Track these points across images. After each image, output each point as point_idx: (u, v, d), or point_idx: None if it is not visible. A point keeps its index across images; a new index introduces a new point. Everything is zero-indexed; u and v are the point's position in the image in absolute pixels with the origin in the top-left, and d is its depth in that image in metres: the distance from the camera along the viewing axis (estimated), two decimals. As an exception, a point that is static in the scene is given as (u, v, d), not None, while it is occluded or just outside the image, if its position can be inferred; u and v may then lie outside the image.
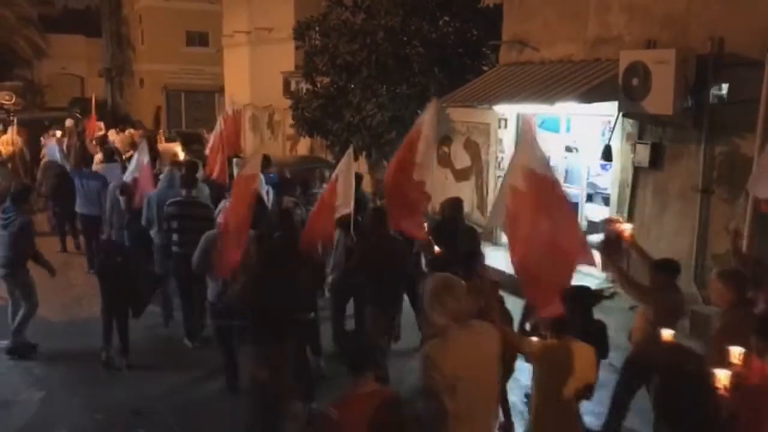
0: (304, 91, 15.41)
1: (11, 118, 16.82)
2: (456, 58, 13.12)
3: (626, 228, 6.18)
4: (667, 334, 4.59)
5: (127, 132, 18.81)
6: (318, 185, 10.91)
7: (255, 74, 23.19)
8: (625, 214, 9.35)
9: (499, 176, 11.97)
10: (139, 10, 35.01)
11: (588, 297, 4.75)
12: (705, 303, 8.25)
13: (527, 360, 4.58)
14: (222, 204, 7.97)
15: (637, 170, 9.17)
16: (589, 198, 10.83)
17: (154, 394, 6.80)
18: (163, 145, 16.53)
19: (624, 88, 8.48)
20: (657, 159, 8.83)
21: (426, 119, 6.68)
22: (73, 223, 11.98)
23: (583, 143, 10.80)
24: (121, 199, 9.20)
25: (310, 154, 18.12)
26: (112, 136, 17.94)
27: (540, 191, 4.28)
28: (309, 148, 18.92)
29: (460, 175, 13.27)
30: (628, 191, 9.34)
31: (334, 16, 14.06)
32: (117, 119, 32.00)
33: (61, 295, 9.52)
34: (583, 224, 10.54)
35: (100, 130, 18.87)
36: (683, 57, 8.03)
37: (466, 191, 13.11)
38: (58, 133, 14.76)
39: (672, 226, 8.77)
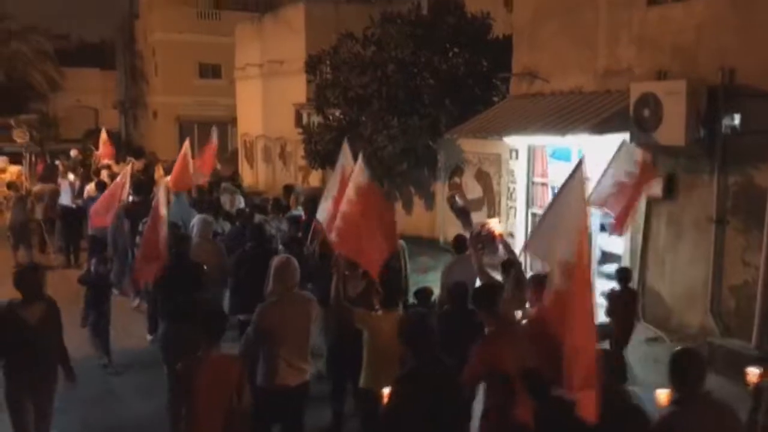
0: (316, 123, 15.54)
1: (25, 154, 17.12)
2: (466, 89, 13.20)
3: (495, 226, 7.47)
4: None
5: (128, 161, 19.18)
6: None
7: (267, 106, 23.40)
8: (639, 244, 9.32)
9: (510, 207, 11.98)
10: (152, 44, 35.52)
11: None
12: (721, 334, 8.18)
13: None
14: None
15: (650, 201, 9.13)
16: (602, 228, 10.76)
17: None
18: (160, 176, 16.74)
19: (635, 120, 8.48)
20: (670, 190, 8.80)
21: (346, 162, 7.07)
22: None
23: (595, 173, 10.76)
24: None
25: (322, 185, 18.19)
26: (114, 166, 18.22)
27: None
28: (321, 179, 19.00)
29: (472, 206, 13.27)
30: (641, 221, 9.29)
31: (344, 50, 14.21)
32: (131, 151, 32.34)
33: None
34: (597, 254, 10.51)
35: (106, 160, 19.25)
36: (694, 88, 8.03)
37: (478, 221, 13.11)
38: (71, 177, 15.00)
39: (686, 257, 8.71)
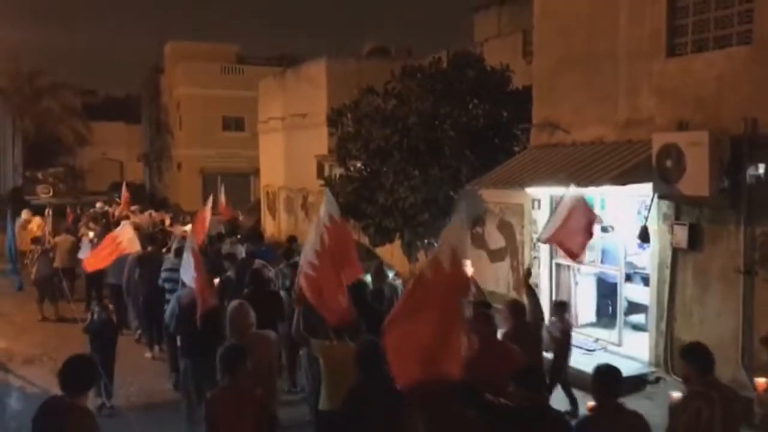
0: (338, 175, 15.67)
1: (48, 209, 17.55)
2: (487, 140, 13.28)
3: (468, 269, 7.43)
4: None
5: (146, 213, 20.39)
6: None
7: (289, 158, 23.70)
8: (666, 296, 9.20)
9: (535, 257, 11.91)
10: (177, 98, 36.33)
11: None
12: (753, 388, 7.98)
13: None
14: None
15: (675, 251, 9.05)
16: (628, 278, 10.66)
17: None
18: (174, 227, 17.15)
19: (658, 170, 8.47)
20: (696, 240, 8.72)
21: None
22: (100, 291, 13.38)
23: (619, 222, 10.73)
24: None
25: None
26: (134, 216, 18.61)
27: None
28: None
29: (495, 256, 13.22)
30: (667, 272, 9.20)
31: (365, 103, 14.40)
32: (155, 202, 32.81)
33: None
34: (624, 305, 10.39)
35: (125, 211, 19.82)
36: (717, 138, 8.03)
37: (501, 272, 13.05)
38: (91, 234, 15.32)
39: (714, 309, 8.58)
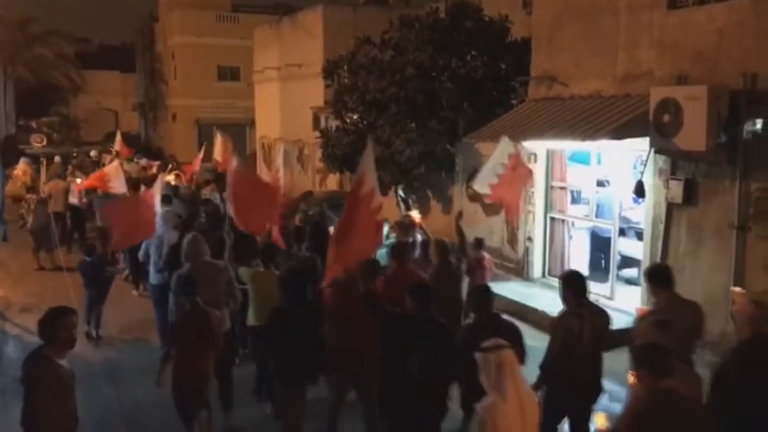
0: (334, 127, 15.56)
1: (42, 160, 17.52)
2: (485, 92, 13.16)
3: (416, 216, 10.21)
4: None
5: (136, 161, 21.15)
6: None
7: (285, 109, 23.49)
8: (659, 251, 9.25)
9: (529, 210, 11.93)
10: (172, 47, 35.80)
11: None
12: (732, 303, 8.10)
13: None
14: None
15: (670, 206, 9.06)
16: (622, 232, 10.71)
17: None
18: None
19: (655, 125, 8.43)
20: (691, 195, 8.73)
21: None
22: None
23: (615, 177, 10.72)
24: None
25: (340, 188, 18.23)
26: (125, 165, 18.59)
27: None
28: (338, 182, 19.05)
29: (490, 210, 13.22)
30: (661, 227, 9.23)
31: (362, 54, 14.22)
32: (150, 153, 32.63)
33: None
34: (617, 259, 10.45)
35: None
36: (715, 93, 7.96)
37: (496, 225, 13.06)
38: (78, 180, 15.47)
39: (707, 263, 8.63)
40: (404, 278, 6.20)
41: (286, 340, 5.63)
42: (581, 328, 5.32)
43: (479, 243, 9.51)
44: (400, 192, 13.38)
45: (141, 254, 9.72)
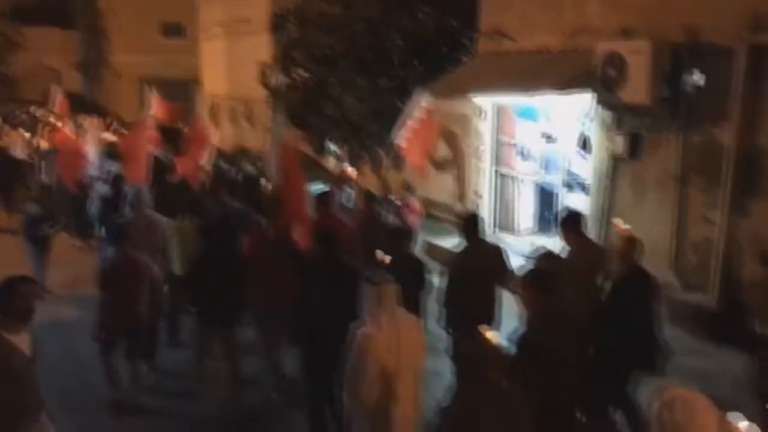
0: (282, 83, 15.32)
1: None
2: (435, 49, 13.09)
3: (352, 172, 10.75)
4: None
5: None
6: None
7: (232, 66, 22.98)
8: (604, 204, 9.44)
9: (478, 166, 12.02)
10: (113, 1, 34.57)
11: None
12: (683, 290, 8.38)
13: None
14: None
15: (615, 160, 9.23)
16: (568, 187, 10.87)
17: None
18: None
19: (601, 79, 8.52)
20: (634, 149, 8.89)
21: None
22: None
23: (561, 132, 10.84)
24: None
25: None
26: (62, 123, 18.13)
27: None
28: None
29: (440, 166, 13.28)
30: (606, 181, 9.40)
31: (310, 8, 13.96)
32: (95, 112, 31.64)
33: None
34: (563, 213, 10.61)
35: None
36: (658, 47, 8.06)
37: (446, 181, 13.14)
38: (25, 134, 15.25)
39: (650, 215, 8.85)
40: (327, 224, 6.49)
41: (205, 287, 6.04)
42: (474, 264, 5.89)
43: (408, 188, 10.54)
44: (331, 146, 13.42)
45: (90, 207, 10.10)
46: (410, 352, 4.14)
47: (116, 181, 9.98)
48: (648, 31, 8.44)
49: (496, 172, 11.84)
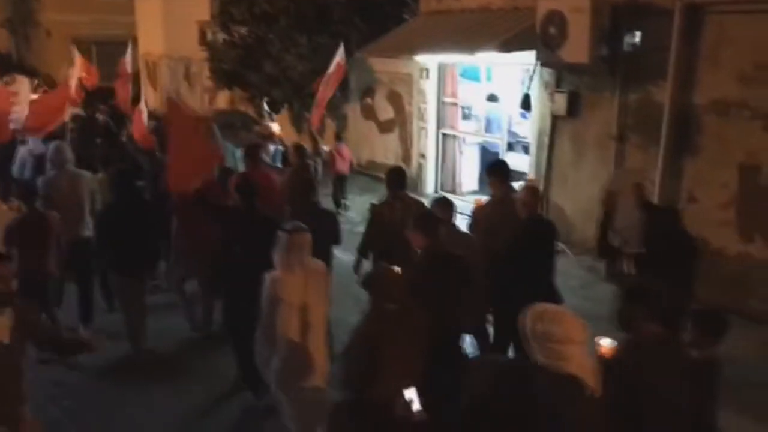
0: (221, 41, 14.91)
1: None
2: (376, 6, 12.89)
3: (275, 128, 11.24)
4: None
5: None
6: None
7: (169, 23, 22.22)
8: (544, 162, 9.55)
9: (422, 127, 11.99)
10: (42, -45, 32.93)
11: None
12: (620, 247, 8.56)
13: None
14: None
15: (555, 119, 9.31)
16: (510, 147, 10.95)
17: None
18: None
19: (542, 37, 8.52)
20: (574, 108, 8.99)
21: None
22: None
23: (504, 92, 10.88)
24: None
25: (230, 106, 17.64)
26: None
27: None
28: (229, 100, 18.40)
29: (384, 127, 13.21)
30: (546, 140, 9.50)
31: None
32: (24, 72, 30.30)
33: None
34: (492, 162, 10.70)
35: None
36: (598, 5, 8.08)
37: (390, 143, 13.09)
38: None
39: (588, 173, 8.99)
40: (256, 178, 6.57)
41: (117, 236, 6.16)
42: (392, 215, 6.06)
43: (337, 136, 11.63)
44: (265, 105, 13.28)
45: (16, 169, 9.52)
46: (317, 294, 4.54)
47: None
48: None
49: (440, 132, 11.83)
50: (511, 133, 10.94)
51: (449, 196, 11.07)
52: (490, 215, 5.97)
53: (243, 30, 13.99)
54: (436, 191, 11.94)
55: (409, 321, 3.94)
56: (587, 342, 3.02)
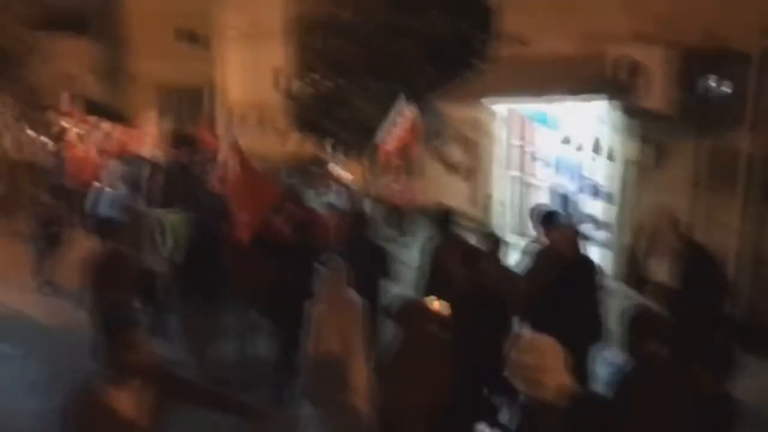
0: (297, 89, 15.36)
1: None
2: (446, 52, 13.07)
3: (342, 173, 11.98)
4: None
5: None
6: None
7: (246, 71, 23.06)
8: (621, 209, 9.36)
9: (491, 170, 11.99)
10: (129, 7, 34.76)
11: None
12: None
13: None
14: None
15: (630, 165, 9.15)
16: (583, 191, 10.78)
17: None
18: None
19: (615, 84, 8.45)
20: (653, 155, 8.81)
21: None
22: None
23: (575, 137, 10.76)
24: None
25: (302, 150, 18.00)
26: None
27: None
28: (299, 143, 18.80)
29: (454, 171, 13.26)
30: (622, 186, 9.32)
31: (322, 12, 13.99)
32: (111, 117, 31.79)
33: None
34: (577, 216, 10.56)
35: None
36: (674, 51, 7.99)
37: (459, 185, 13.11)
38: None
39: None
40: (299, 215, 7.42)
41: (193, 270, 6.84)
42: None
43: (404, 172, 11.96)
44: (331, 148, 13.71)
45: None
46: (353, 323, 5.02)
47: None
48: (662, 36, 8.36)
49: (512, 177, 11.79)
50: (583, 178, 10.79)
51: (518, 238, 11.06)
52: (540, 259, 6.21)
53: (317, 76, 14.39)
54: (508, 235, 11.85)
55: (439, 347, 4.16)
56: (564, 366, 3.06)
